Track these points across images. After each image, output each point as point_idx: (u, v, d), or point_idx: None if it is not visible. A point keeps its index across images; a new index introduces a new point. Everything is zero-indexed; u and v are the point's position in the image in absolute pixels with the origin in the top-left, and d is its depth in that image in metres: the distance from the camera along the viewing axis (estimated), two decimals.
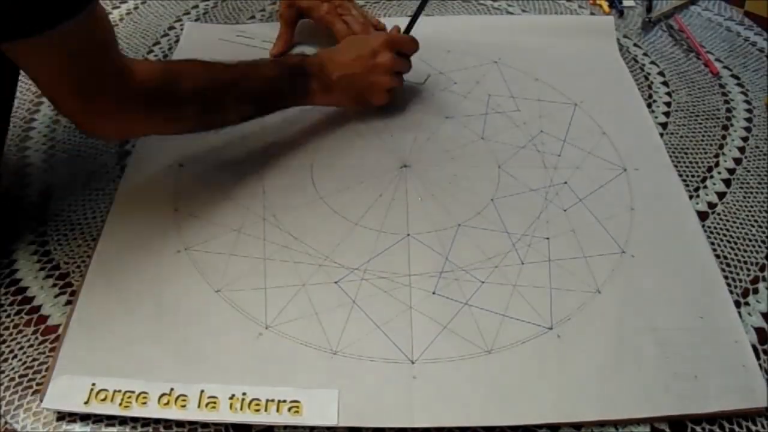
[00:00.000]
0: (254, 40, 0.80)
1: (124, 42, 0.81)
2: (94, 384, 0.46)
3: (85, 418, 0.45)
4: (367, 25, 0.76)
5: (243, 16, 0.86)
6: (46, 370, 0.47)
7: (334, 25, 0.75)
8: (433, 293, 0.52)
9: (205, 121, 0.57)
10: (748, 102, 0.74)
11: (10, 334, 0.50)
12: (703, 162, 0.66)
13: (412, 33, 0.69)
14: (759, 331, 0.51)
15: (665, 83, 0.77)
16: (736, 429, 0.46)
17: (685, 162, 0.66)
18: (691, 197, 0.62)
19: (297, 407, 0.45)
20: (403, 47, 0.67)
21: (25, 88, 0.73)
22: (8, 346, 0.49)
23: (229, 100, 0.57)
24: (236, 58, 0.74)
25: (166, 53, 0.79)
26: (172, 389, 0.46)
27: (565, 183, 0.62)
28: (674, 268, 0.55)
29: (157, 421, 0.45)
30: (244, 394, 0.46)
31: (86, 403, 0.45)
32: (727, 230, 0.59)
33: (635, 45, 0.83)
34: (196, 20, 0.85)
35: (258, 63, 0.60)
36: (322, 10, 0.75)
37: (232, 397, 0.45)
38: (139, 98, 0.50)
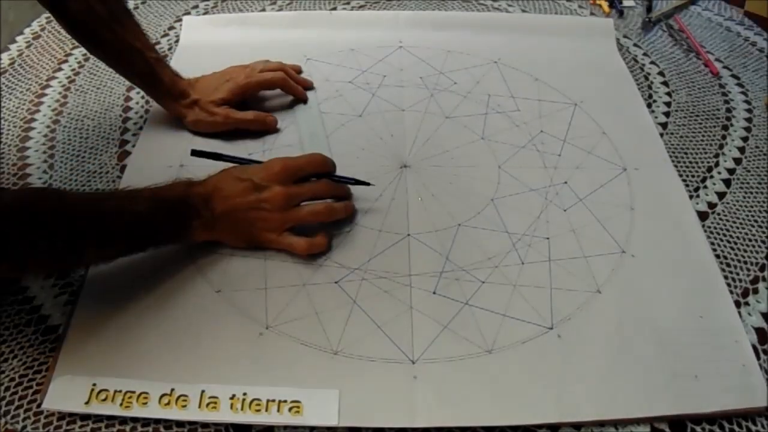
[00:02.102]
0: (253, 32, 0.80)
1: None
2: (94, 384, 0.46)
3: (85, 418, 0.45)
4: (283, 68, 0.70)
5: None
6: (46, 370, 0.47)
7: (261, 83, 0.68)
8: (434, 293, 0.52)
9: (58, 263, 0.48)
10: (748, 102, 0.74)
11: (10, 334, 0.50)
12: (703, 162, 0.66)
13: None
14: (759, 331, 0.51)
15: (665, 83, 0.77)
16: (736, 429, 0.46)
17: (685, 162, 0.66)
18: (691, 197, 0.62)
19: (297, 407, 0.45)
20: (303, 172, 0.55)
21: (25, 88, 0.73)
22: (8, 346, 0.49)
23: (92, 245, 0.47)
24: (236, 56, 0.75)
25: (166, 53, 0.79)
26: (172, 389, 0.46)
27: (565, 183, 0.62)
28: (674, 268, 0.55)
29: (158, 421, 0.45)
30: (244, 394, 0.46)
31: (87, 403, 0.45)
32: (727, 230, 0.59)
33: (635, 45, 0.83)
34: None
35: (132, 195, 0.50)
36: (239, 81, 0.67)
37: (232, 397, 0.45)
38: None
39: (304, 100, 0.71)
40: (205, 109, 0.65)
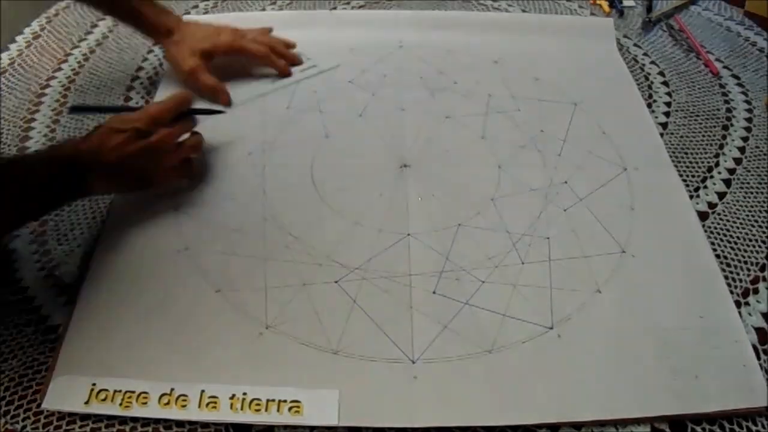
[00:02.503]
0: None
1: (124, 42, 0.81)
2: (94, 384, 0.46)
3: (85, 418, 0.45)
4: (270, 43, 0.74)
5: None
6: (46, 370, 0.47)
7: (247, 49, 0.72)
8: (434, 293, 0.52)
9: None
10: (748, 102, 0.74)
11: (10, 334, 0.50)
12: (703, 162, 0.66)
13: None
14: (759, 331, 0.51)
15: (665, 83, 0.77)
16: (736, 429, 0.46)
17: (685, 162, 0.66)
18: (691, 197, 0.62)
19: (297, 407, 0.45)
20: (174, 112, 0.59)
21: (25, 88, 0.73)
22: (8, 346, 0.49)
23: None
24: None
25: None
26: (172, 389, 0.46)
27: (565, 183, 0.62)
28: (674, 268, 0.55)
29: (158, 421, 0.45)
30: (244, 394, 0.46)
31: (86, 403, 0.45)
32: (727, 230, 0.59)
33: (635, 45, 0.83)
34: None
35: (21, 163, 0.53)
36: (227, 40, 0.71)
37: (232, 397, 0.45)
38: None
39: (287, 75, 0.74)
40: (181, 53, 0.69)
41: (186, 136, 0.60)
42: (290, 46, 0.76)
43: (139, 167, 0.56)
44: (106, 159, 0.53)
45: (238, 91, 0.71)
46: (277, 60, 0.73)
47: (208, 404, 0.45)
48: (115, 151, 0.54)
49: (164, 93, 0.72)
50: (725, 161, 0.67)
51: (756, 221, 0.60)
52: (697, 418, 0.46)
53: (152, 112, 0.57)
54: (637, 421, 0.45)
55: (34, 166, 0.51)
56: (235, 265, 0.54)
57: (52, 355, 0.48)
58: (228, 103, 0.70)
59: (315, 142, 0.66)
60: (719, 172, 0.65)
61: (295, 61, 0.75)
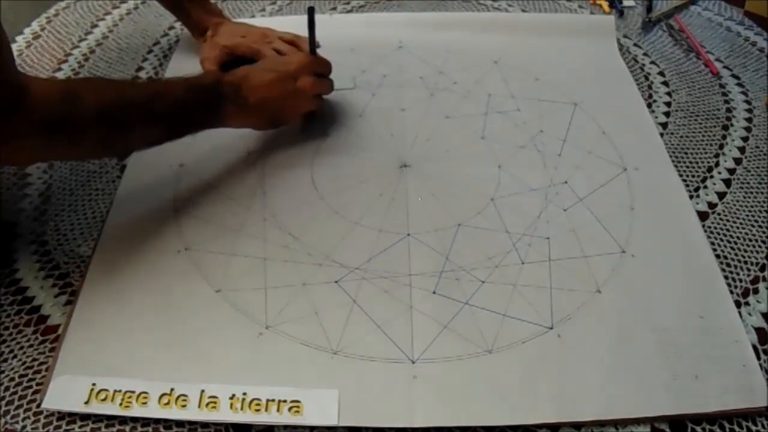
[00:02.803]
0: None
1: (124, 42, 0.81)
2: (94, 384, 0.46)
3: (85, 418, 0.45)
4: (297, 47, 0.74)
5: (243, 17, 0.86)
6: (46, 370, 0.47)
7: (263, 54, 0.72)
8: (434, 293, 0.52)
9: (109, 145, 0.52)
10: (748, 102, 0.74)
11: (10, 334, 0.50)
12: (703, 162, 0.66)
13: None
14: (759, 331, 0.51)
15: (665, 83, 0.77)
16: (736, 429, 0.46)
17: (685, 162, 0.66)
18: (691, 197, 0.62)
19: (297, 407, 0.45)
20: (322, 69, 0.64)
21: None
22: (8, 346, 0.49)
23: (136, 122, 0.51)
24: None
25: (166, 53, 0.79)
26: (172, 389, 0.46)
27: (565, 183, 0.62)
28: (674, 268, 0.55)
29: (158, 421, 0.45)
30: (244, 393, 0.46)
31: (86, 403, 0.45)
32: (727, 230, 0.59)
33: (635, 45, 0.83)
34: None
35: (169, 82, 0.57)
36: (249, 41, 0.74)
37: (232, 397, 0.45)
38: (36, 121, 0.45)
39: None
40: (206, 47, 0.74)
41: None
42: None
43: (276, 108, 0.61)
44: (246, 94, 0.58)
45: None
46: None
47: (208, 404, 0.45)
48: (257, 90, 0.58)
49: None
50: (725, 161, 0.67)
51: (756, 221, 0.60)
52: (697, 418, 0.46)
53: (306, 60, 0.62)
54: (637, 421, 0.45)
55: (178, 89, 0.55)
56: (235, 265, 0.54)
57: (52, 355, 0.48)
58: None
59: (315, 142, 0.66)
60: (719, 172, 0.65)
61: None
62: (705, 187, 0.64)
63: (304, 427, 0.45)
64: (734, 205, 0.62)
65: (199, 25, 0.75)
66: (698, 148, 0.68)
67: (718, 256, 0.57)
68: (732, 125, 0.71)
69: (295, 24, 0.81)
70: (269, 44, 0.74)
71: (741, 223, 0.60)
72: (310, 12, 0.62)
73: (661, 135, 0.69)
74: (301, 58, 0.63)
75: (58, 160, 0.57)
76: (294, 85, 0.61)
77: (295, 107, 0.63)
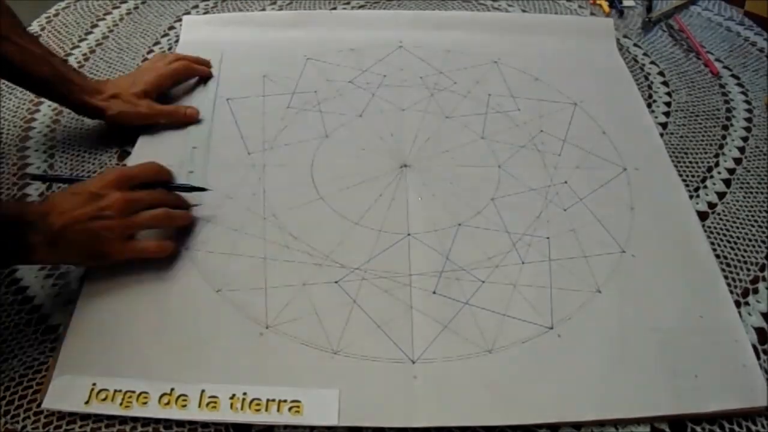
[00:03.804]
0: (253, 31, 0.80)
1: (124, 42, 0.81)
2: (94, 384, 0.46)
3: (85, 418, 0.45)
4: (178, 58, 0.72)
5: None
6: (46, 370, 0.47)
7: (173, 74, 0.70)
8: (434, 293, 0.52)
9: None
10: (748, 102, 0.74)
11: (10, 334, 0.50)
12: (703, 162, 0.66)
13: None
14: (759, 331, 0.51)
15: (665, 83, 0.77)
16: (736, 429, 0.46)
17: (685, 162, 0.66)
18: (691, 197, 0.62)
19: (297, 407, 0.45)
20: (138, 179, 0.54)
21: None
22: (8, 346, 0.49)
23: None
24: (236, 56, 0.75)
25: (166, 53, 0.79)
26: (172, 389, 0.46)
27: (565, 182, 0.62)
28: (674, 268, 0.55)
29: (158, 421, 0.45)
30: (244, 393, 0.46)
31: (87, 403, 0.45)
32: (727, 230, 0.59)
33: (635, 45, 0.83)
34: None
35: None
36: (153, 78, 0.68)
37: (232, 397, 0.45)
38: None
39: (210, 75, 0.74)
40: (128, 101, 0.65)
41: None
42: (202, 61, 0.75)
43: (87, 235, 0.49)
44: (52, 222, 0.48)
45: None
46: (197, 67, 0.73)
47: (208, 404, 0.45)
48: (63, 216, 0.49)
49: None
50: (725, 161, 0.67)
51: (756, 221, 0.60)
52: (697, 418, 0.46)
53: (111, 176, 0.52)
54: (637, 421, 0.45)
55: None
56: (235, 265, 0.54)
57: (52, 355, 0.48)
58: (196, 114, 0.68)
59: (315, 142, 0.66)
60: (719, 172, 0.65)
61: (206, 62, 0.75)
62: (705, 187, 0.64)
63: (304, 427, 0.45)
64: (734, 205, 0.62)
65: (88, 86, 0.64)
66: (698, 148, 0.68)
67: (718, 256, 0.57)
68: (732, 125, 0.71)
69: (293, 19, 0.82)
70: (164, 66, 0.70)
71: (741, 223, 0.60)
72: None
73: (661, 135, 0.69)
74: (109, 174, 0.52)
75: None
76: (98, 205, 0.50)
77: (102, 231, 0.50)
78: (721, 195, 0.63)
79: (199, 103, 0.70)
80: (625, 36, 0.85)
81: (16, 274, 0.54)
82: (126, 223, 0.51)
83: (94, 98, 0.64)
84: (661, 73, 0.78)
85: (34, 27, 0.84)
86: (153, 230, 0.55)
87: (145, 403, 0.45)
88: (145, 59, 0.79)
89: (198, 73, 0.73)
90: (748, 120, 0.72)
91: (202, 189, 0.58)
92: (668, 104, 0.74)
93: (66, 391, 0.46)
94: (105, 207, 0.50)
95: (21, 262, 0.51)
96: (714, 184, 0.64)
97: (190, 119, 0.68)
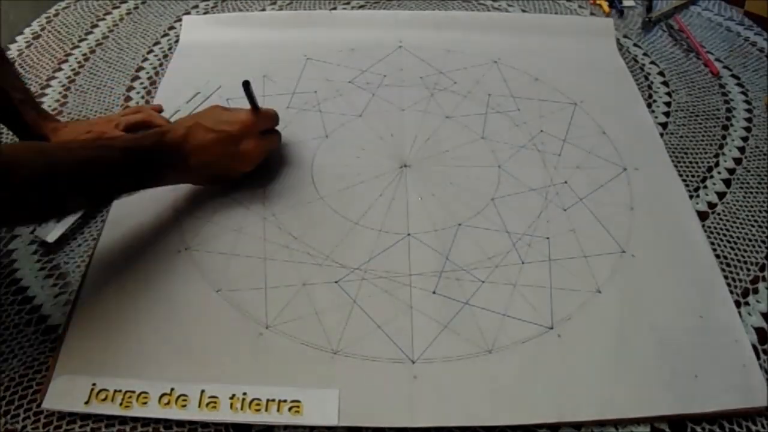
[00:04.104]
0: (253, 31, 0.80)
1: (124, 42, 0.81)
2: (94, 384, 0.46)
3: (85, 418, 0.45)
4: (142, 110, 0.69)
5: None
6: (46, 370, 0.47)
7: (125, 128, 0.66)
8: (434, 293, 0.52)
9: (40, 216, 0.51)
10: (748, 102, 0.74)
11: (10, 334, 0.50)
12: (703, 162, 0.66)
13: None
14: (759, 331, 0.51)
15: (665, 83, 0.77)
16: (736, 429, 0.46)
17: (685, 162, 0.66)
18: (691, 197, 0.62)
19: (297, 407, 0.45)
20: (267, 125, 0.60)
21: None
22: (8, 346, 0.49)
23: (69, 192, 0.49)
24: (236, 56, 0.76)
25: (166, 53, 0.79)
26: (172, 389, 0.46)
27: (565, 183, 0.62)
28: (674, 268, 0.55)
29: (158, 421, 0.45)
30: (244, 393, 0.46)
31: (86, 403, 0.45)
32: (727, 230, 0.59)
33: (635, 45, 0.83)
34: None
35: (105, 145, 0.52)
36: (101, 129, 0.65)
37: (232, 397, 0.45)
38: None
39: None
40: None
41: None
42: (159, 110, 0.71)
43: (216, 169, 0.57)
44: (186, 155, 0.54)
45: None
46: (159, 117, 0.68)
47: (208, 404, 0.45)
48: (197, 152, 0.55)
49: (164, 93, 0.73)
50: (725, 161, 0.67)
51: (756, 221, 0.60)
52: (697, 418, 0.46)
53: (250, 121, 0.57)
54: (637, 421, 0.45)
55: (116, 151, 0.51)
56: (235, 265, 0.54)
57: (52, 355, 0.48)
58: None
59: (315, 142, 0.66)
60: (719, 172, 0.65)
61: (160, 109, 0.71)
62: (705, 187, 0.64)
63: (304, 427, 0.45)
64: (734, 205, 0.62)
65: (32, 131, 0.63)
66: (698, 148, 0.68)
67: (718, 256, 0.57)
68: (732, 125, 0.71)
69: (293, 19, 0.82)
70: (118, 123, 0.66)
71: (741, 223, 0.60)
72: (246, 86, 0.57)
73: (661, 135, 0.69)
74: (245, 117, 0.58)
75: None
76: (236, 148, 0.57)
77: (236, 168, 0.59)
78: (721, 195, 0.63)
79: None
80: (625, 36, 0.85)
81: (17, 274, 0.54)
82: (254, 164, 0.59)
83: (37, 123, 0.63)
84: (661, 73, 0.78)
85: (34, 27, 0.84)
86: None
87: (145, 403, 0.45)
88: (146, 59, 0.79)
89: (159, 122, 0.67)
90: (748, 120, 0.72)
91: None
92: (668, 104, 0.74)
93: (66, 391, 0.46)
94: (244, 152, 0.57)
95: (152, 186, 0.55)
96: (714, 184, 0.64)
97: None
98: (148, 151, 0.53)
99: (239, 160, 0.58)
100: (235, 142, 0.57)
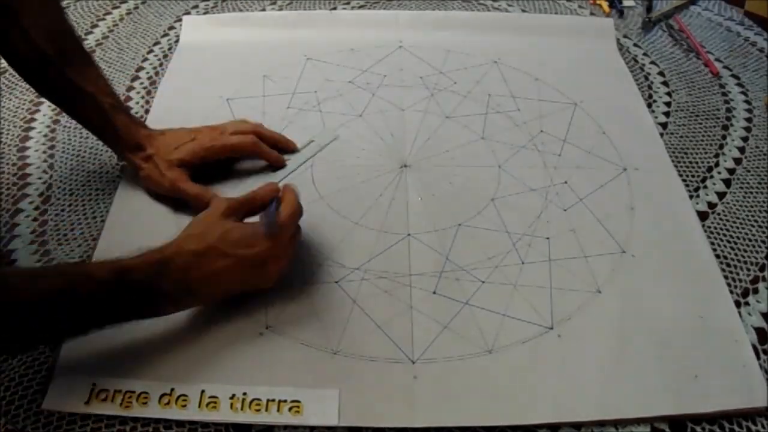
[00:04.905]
0: (253, 31, 0.80)
1: (124, 42, 0.81)
2: (94, 384, 0.46)
3: (85, 418, 0.45)
4: (255, 130, 0.62)
5: None
6: (46, 370, 0.47)
7: (226, 148, 0.60)
8: (434, 293, 0.52)
9: (24, 347, 0.46)
10: (748, 102, 0.74)
11: None
12: (703, 162, 0.66)
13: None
14: (759, 331, 0.51)
15: (665, 83, 0.77)
16: (736, 429, 0.46)
17: (685, 162, 0.66)
18: (691, 197, 0.62)
19: (297, 407, 0.45)
20: (293, 227, 0.51)
21: (26, 88, 0.73)
22: None
23: (28, 329, 0.42)
24: (236, 56, 0.75)
25: (166, 53, 0.79)
26: (172, 389, 0.46)
27: (565, 183, 0.62)
28: (674, 268, 0.55)
29: (158, 421, 0.45)
30: (244, 394, 0.46)
31: (86, 403, 0.45)
32: (727, 230, 0.59)
33: (635, 45, 0.83)
34: None
35: (95, 274, 0.43)
36: (201, 148, 0.59)
37: (232, 397, 0.45)
38: None
39: (281, 165, 0.63)
40: (157, 168, 0.58)
41: None
42: (277, 140, 0.64)
43: (236, 291, 0.50)
44: (194, 289, 0.47)
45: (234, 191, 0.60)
46: (267, 150, 0.62)
47: (208, 404, 0.45)
48: (209, 282, 0.47)
49: (164, 93, 0.72)
50: (725, 161, 0.67)
51: (756, 221, 0.60)
52: (697, 418, 0.46)
53: (272, 243, 0.48)
54: (637, 421, 0.45)
55: (98, 284, 0.43)
56: None
57: (52, 355, 0.48)
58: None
59: (315, 142, 0.66)
60: (719, 172, 0.65)
61: (288, 148, 0.64)
62: (705, 187, 0.64)
63: (304, 427, 0.45)
64: (734, 205, 0.62)
65: (124, 138, 0.58)
66: (698, 148, 0.68)
67: (718, 256, 0.57)
68: (732, 125, 0.71)
69: (293, 19, 0.82)
70: (224, 135, 0.60)
71: (741, 223, 0.60)
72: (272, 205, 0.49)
73: (661, 135, 0.69)
74: (266, 242, 0.48)
75: None
76: (262, 270, 0.49)
77: (263, 277, 0.49)
78: (721, 195, 0.63)
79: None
80: (625, 36, 0.85)
81: None
82: (285, 260, 0.50)
83: (131, 154, 0.59)
84: (661, 73, 0.78)
85: None
86: None
87: (145, 403, 0.45)
88: (146, 59, 0.78)
89: (266, 157, 0.62)
90: (748, 120, 0.72)
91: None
92: (668, 104, 0.74)
93: (66, 391, 0.45)
94: (274, 274, 0.49)
95: (149, 317, 0.47)
96: (714, 184, 0.64)
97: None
98: (142, 285, 0.44)
99: (265, 280, 0.50)
100: (260, 265, 0.48)
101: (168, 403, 0.45)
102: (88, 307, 0.43)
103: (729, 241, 0.58)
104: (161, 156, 0.58)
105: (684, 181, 0.63)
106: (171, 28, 0.84)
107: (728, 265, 0.56)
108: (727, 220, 0.60)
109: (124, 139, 0.58)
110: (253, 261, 0.48)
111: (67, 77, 0.55)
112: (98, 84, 0.58)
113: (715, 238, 0.58)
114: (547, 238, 0.57)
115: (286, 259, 0.50)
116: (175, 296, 0.46)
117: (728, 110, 0.73)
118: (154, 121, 0.68)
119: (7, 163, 0.64)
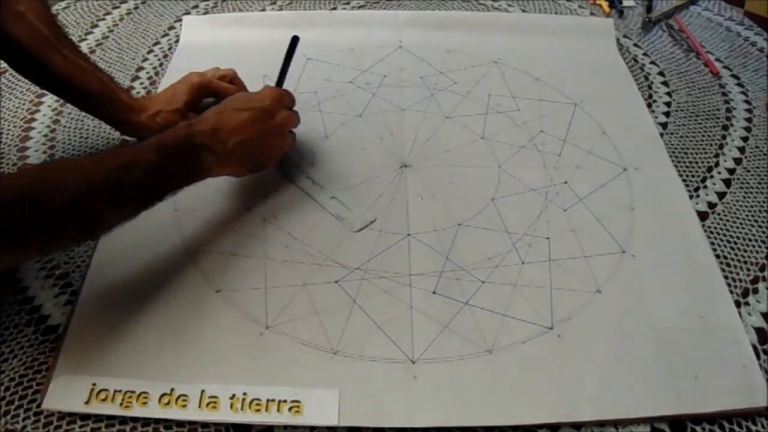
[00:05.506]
0: (253, 31, 0.80)
1: (124, 42, 0.81)
2: (94, 384, 0.46)
3: (85, 418, 0.45)
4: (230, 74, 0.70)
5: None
6: (46, 370, 0.47)
7: (213, 80, 0.68)
8: (434, 293, 0.52)
9: (83, 236, 0.48)
10: (748, 102, 0.74)
11: (10, 334, 0.50)
12: (703, 162, 0.66)
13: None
14: (759, 331, 0.51)
15: (665, 83, 0.77)
16: (736, 429, 0.46)
17: (685, 162, 0.66)
18: (691, 197, 0.62)
19: (297, 407, 0.45)
20: (292, 102, 0.60)
21: (25, 88, 0.73)
22: (8, 346, 0.49)
23: (110, 206, 0.46)
24: (236, 56, 0.76)
25: (166, 53, 0.79)
26: (172, 389, 0.46)
27: (565, 183, 0.62)
28: (674, 268, 0.55)
29: (158, 421, 0.45)
30: (244, 393, 0.46)
31: (87, 403, 0.45)
32: (727, 230, 0.59)
33: (635, 45, 0.83)
34: None
35: (138, 148, 0.49)
36: (193, 80, 0.66)
37: (232, 397, 0.45)
38: (3, 225, 0.40)
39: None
40: (166, 119, 0.63)
41: None
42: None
43: (257, 149, 0.56)
44: (222, 139, 0.52)
45: None
46: (242, 84, 0.70)
47: (208, 404, 0.45)
48: (234, 133, 0.53)
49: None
50: (725, 161, 0.67)
51: (756, 221, 0.60)
52: (697, 418, 0.46)
53: (280, 94, 0.57)
54: (637, 421, 0.45)
55: (148, 152, 0.48)
56: (235, 265, 0.54)
57: (52, 355, 0.48)
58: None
59: (315, 142, 0.66)
60: (719, 172, 0.65)
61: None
62: (705, 187, 0.64)
63: (304, 427, 0.45)
64: (734, 205, 0.62)
65: (134, 103, 0.63)
66: (698, 148, 0.68)
67: (718, 256, 0.57)
68: (732, 125, 0.71)
69: (293, 19, 0.82)
70: (204, 75, 0.67)
71: (741, 223, 0.60)
72: (294, 42, 0.56)
73: (661, 135, 0.69)
74: (274, 92, 0.57)
75: (26, 262, 0.52)
76: (272, 121, 0.56)
77: (276, 145, 0.58)
78: (721, 195, 0.63)
79: None
80: (625, 36, 0.85)
81: (17, 274, 0.54)
82: (290, 140, 0.59)
83: (140, 116, 0.63)
84: (661, 73, 0.78)
85: None
86: None
87: (145, 403, 0.45)
88: (145, 59, 0.79)
89: (243, 86, 0.70)
90: (748, 120, 0.72)
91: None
92: (668, 104, 0.74)
93: (66, 391, 0.45)
94: (279, 125, 0.57)
95: (194, 181, 0.52)
96: (714, 184, 0.64)
97: None
98: (181, 144, 0.50)
99: (277, 134, 0.57)
100: (269, 115, 0.56)
101: (168, 403, 0.45)
102: (148, 176, 0.48)
103: (729, 241, 0.58)
104: (166, 109, 0.64)
105: (684, 181, 0.63)
106: (171, 28, 0.84)
107: (728, 265, 0.56)
108: (727, 220, 0.60)
109: (131, 105, 0.62)
110: (265, 110, 0.55)
111: (68, 57, 0.58)
112: (90, 62, 0.61)
113: (715, 238, 0.58)
114: (547, 238, 0.57)
115: (292, 116, 0.58)
116: (212, 148, 0.52)
117: (728, 110, 0.73)
118: None
119: (7, 163, 0.64)
